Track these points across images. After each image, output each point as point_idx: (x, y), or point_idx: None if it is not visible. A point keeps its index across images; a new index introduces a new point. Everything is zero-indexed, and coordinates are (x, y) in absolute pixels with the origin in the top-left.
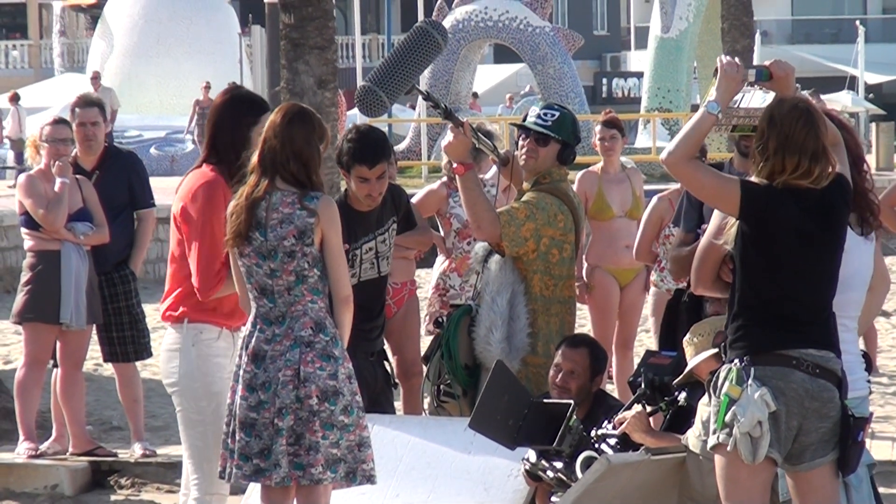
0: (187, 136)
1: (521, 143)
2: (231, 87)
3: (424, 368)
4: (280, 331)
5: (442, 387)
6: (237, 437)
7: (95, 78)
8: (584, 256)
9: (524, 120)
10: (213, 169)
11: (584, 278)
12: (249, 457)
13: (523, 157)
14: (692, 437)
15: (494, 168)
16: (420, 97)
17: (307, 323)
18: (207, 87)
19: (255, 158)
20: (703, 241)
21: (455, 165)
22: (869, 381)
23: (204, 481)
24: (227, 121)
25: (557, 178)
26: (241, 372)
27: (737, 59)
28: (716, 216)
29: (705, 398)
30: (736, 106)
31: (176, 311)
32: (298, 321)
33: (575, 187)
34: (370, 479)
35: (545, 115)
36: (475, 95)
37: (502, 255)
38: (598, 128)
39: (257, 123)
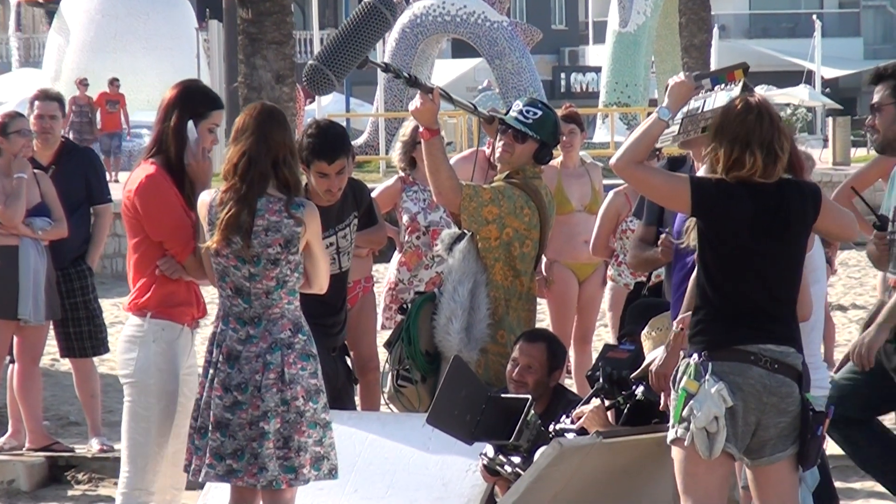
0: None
1: (499, 136)
2: (184, 80)
3: (386, 355)
4: (256, 332)
5: (401, 371)
6: (211, 437)
7: None
8: None
9: (507, 113)
10: (153, 163)
11: (543, 272)
12: (223, 457)
13: (499, 150)
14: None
15: None
16: (381, 80)
17: (285, 325)
18: (84, 84)
19: (234, 161)
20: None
21: (422, 130)
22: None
23: (134, 476)
24: (174, 113)
25: (530, 175)
26: (214, 371)
27: (683, 74)
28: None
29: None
30: (700, 111)
31: (140, 301)
32: (276, 324)
33: None
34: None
35: (527, 112)
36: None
37: (460, 227)
38: None
39: (206, 118)
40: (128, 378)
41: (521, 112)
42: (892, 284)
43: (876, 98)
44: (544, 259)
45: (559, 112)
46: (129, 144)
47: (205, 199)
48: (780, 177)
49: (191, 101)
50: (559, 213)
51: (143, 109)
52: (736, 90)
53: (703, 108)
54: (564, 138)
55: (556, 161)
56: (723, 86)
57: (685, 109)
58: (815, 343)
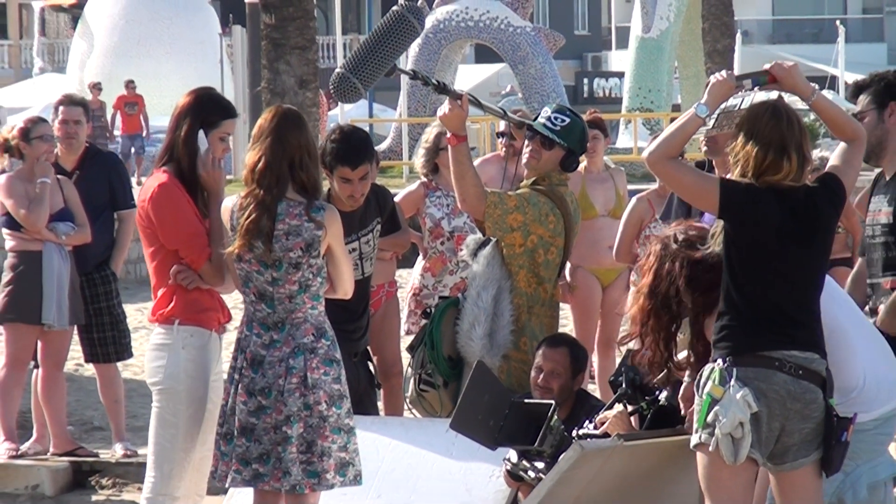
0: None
1: (526, 142)
2: (199, 88)
3: (409, 360)
4: (279, 337)
5: (423, 376)
6: (237, 442)
7: None
8: None
9: (535, 119)
10: (165, 171)
11: (567, 278)
12: (249, 462)
13: (526, 156)
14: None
15: None
16: (404, 85)
17: (308, 329)
18: (97, 88)
19: (252, 166)
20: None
21: (448, 136)
22: None
23: (159, 482)
24: (186, 122)
25: (556, 182)
26: (238, 375)
27: (725, 73)
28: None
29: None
30: (737, 109)
31: (166, 311)
32: (299, 328)
33: None
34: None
35: (555, 119)
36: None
37: (484, 233)
38: None
39: (217, 127)
40: (157, 385)
41: (549, 119)
42: (886, 287)
43: (858, 107)
44: (568, 264)
45: (583, 117)
46: (152, 149)
47: (227, 204)
48: (807, 181)
49: (202, 109)
50: (583, 219)
51: (166, 114)
52: (775, 94)
53: (740, 105)
54: (588, 144)
55: (581, 166)
56: (761, 87)
57: (723, 105)
58: (849, 359)
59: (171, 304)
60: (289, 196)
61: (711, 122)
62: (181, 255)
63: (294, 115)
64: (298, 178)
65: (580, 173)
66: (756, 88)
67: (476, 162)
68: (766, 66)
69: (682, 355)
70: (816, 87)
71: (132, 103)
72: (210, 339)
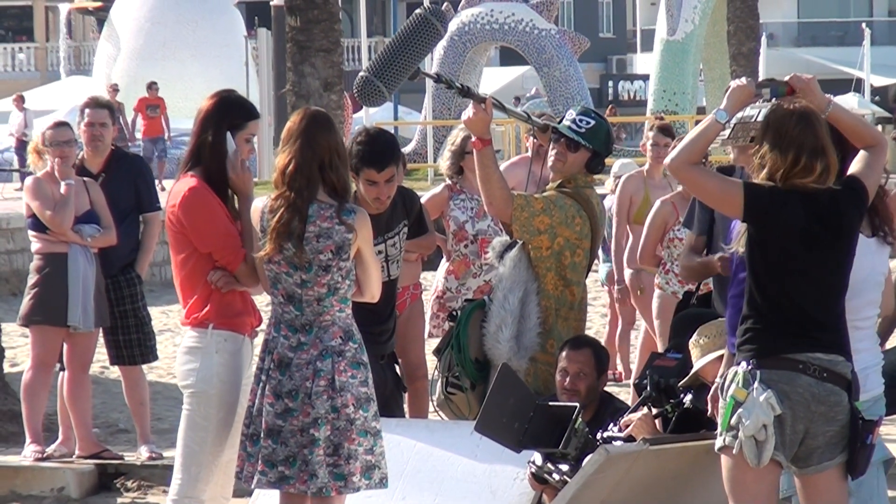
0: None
1: (551, 144)
2: (220, 91)
3: (435, 362)
4: (307, 339)
5: (450, 378)
6: (263, 444)
7: None
8: (624, 260)
9: (560, 122)
10: (194, 175)
11: (627, 280)
12: (275, 464)
13: (552, 159)
14: None
15: None
16: (429, 88)
17: (336, 332)
18: (114, 89)
19: (282, 168)
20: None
21: (474, 140)
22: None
23: (186, 484)
24: (212, 125)
25: (582, 184)
26: (265, 377)
27: (745, 79)
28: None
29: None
30: (753, 120)
31: (200, 315)
32: (327, 331)
33: (619, 189)
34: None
35: (580, 121)
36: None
37: (511, 236)
38: (651, 132)
39: (243, 129)
40: (189, 388)
41: (574, 121)
42: None
43: None
44: (629, 271)
45: (653, 122)
46: (176, 151)
47: (257, 205)
48: (832, 184)
49: (228, 112)
50: (643, 223)
51: (191, 117)
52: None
53: (756, 117)
54: (659, 150)
55: (643, 169)
56: (779, 98)
57: (739, 115)
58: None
59: (206, 308)
60: (319, 198)
61: (727, 132)
62: (216, 258)
63: (323, 116)
64: (328, 179)
65: (643, 177)
66: (774, 100)
67: (503, 166)
68: (786, 78)
69: (705, 360)
70: (832, 97)
71: (154, 106)
72: (243, 343)
